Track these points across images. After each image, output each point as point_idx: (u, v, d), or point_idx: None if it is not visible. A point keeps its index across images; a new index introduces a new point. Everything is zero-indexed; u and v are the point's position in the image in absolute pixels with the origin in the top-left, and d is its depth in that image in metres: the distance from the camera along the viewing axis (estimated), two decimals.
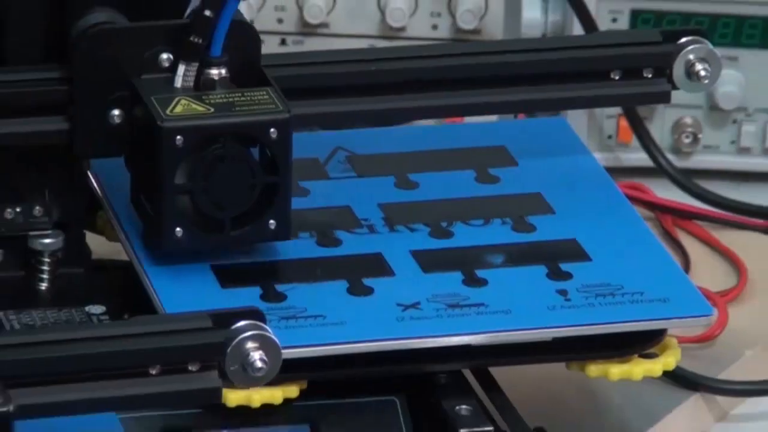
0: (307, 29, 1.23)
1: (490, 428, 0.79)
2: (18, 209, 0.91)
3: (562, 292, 0.86)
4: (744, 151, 1.29)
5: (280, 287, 0.84)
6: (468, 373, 0.86)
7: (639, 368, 0.88)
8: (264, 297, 0.82)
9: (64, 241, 0.93)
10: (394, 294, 0.83)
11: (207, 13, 0.87)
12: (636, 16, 1.26)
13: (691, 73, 1.00)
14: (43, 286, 0.96)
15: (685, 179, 1.24)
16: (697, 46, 1.00)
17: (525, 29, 1.29)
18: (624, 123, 1.27)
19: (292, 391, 0.78)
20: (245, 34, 0.89)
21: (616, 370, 0.88)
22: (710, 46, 1.01)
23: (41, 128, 0.88)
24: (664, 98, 1.06)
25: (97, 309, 0.90)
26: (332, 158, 1.04)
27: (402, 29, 1.24)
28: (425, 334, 0.80)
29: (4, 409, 0.63)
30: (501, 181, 1.05)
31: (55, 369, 0.68)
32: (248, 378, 0.69)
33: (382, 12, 1.20)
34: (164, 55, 0.89)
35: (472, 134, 1.11)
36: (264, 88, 0.89)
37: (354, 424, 0.82)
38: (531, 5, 1.32)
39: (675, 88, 1.01)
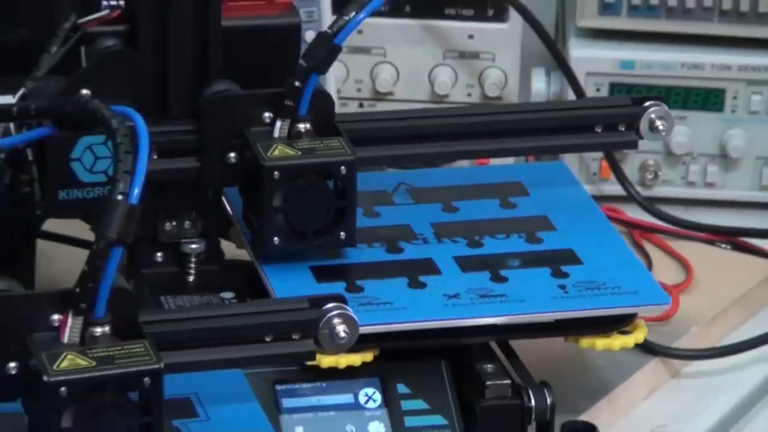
0: (378, 96, 1.24)
1: (508, 381, 0.83)
2: (174, 223, 0.95)
3: (562, 287, 0.90)
4: (691, 184, 1.28)
5: (359, 282, 0.87)
6: (494, 345, 0.88)
7: (617, 341, 0.92)
8: (347, 289, 0.86)
9: (206, 246, 0.97)
10: (441, 287, 0.86)
11: (297, 84, 0.92)
12: (613, 87, 1.26)
13: (652, 128, 1.02)
14: (191, 278, 0.98)
15: (649, 204, 1.24)
16: (657, 108, 1.02)
17: (533, 96, 1.28)
18: (605, 164, 1.26)
19: (368, 356, 0.82)
20: (324, 99, 0.94)
21: (601, 343, 0.92)
22: (666, 108, 1.03)
23: (181, 166, 0.93)
24: (633, 146, 1.07)
25: (228, 295, 0.95)
26: (397, 190, 1.06)
27: (446, 96, 1.25)
28: (463, 316, 0.84)
29: (156, 366, 0.65)
30: (518, 206, 1.08)
31: (200, 336, 0.72)
32: (335, 345, 0.73)
33: (432, 84, 1.22)
34: (266, 114, 0.93)
35: (497, 173, 1.14)
36: (337, 137, 0.92)
37: (412, 379, 0.84)
38: (538, 79, 1.32)
39: (641, 138, 1.03)
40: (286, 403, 0.84)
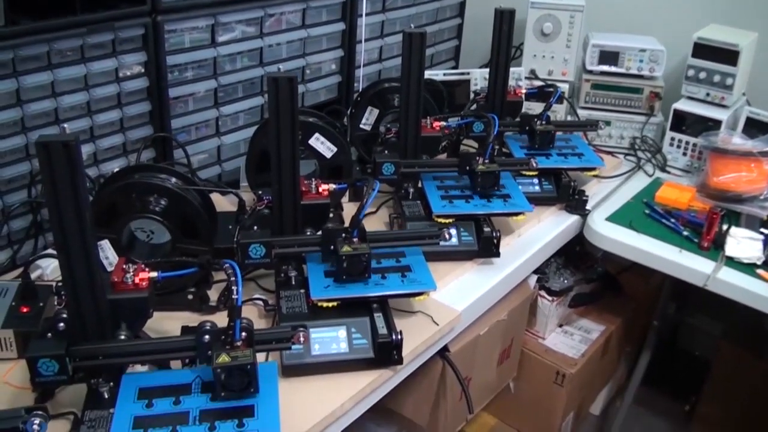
0: None
1: None
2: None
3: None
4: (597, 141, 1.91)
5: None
6: None
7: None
8: None
9: None
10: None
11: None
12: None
13: (597, 128, 1.72)
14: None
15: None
16: (596, 124, 1.70)
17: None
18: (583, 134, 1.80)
19: None
20: None
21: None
22: (602, 123, 1.78)
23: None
24: (594, 130, 1.74)
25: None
26: None
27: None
28: None
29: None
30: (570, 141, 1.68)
31: None
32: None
33: None
34: None
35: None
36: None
37: None
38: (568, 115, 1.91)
39: (596, 128, 1.72)
40: None
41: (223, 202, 1.46)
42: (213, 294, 1.20)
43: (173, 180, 1.16)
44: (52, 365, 0.86)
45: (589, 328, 1.88)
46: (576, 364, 1.73)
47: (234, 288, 0.86)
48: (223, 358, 0.87)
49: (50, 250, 1.24)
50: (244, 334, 0.90)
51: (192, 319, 1.17)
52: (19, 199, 1.27)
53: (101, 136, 1.36)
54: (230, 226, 1.30)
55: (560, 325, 1.87)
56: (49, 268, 1.24)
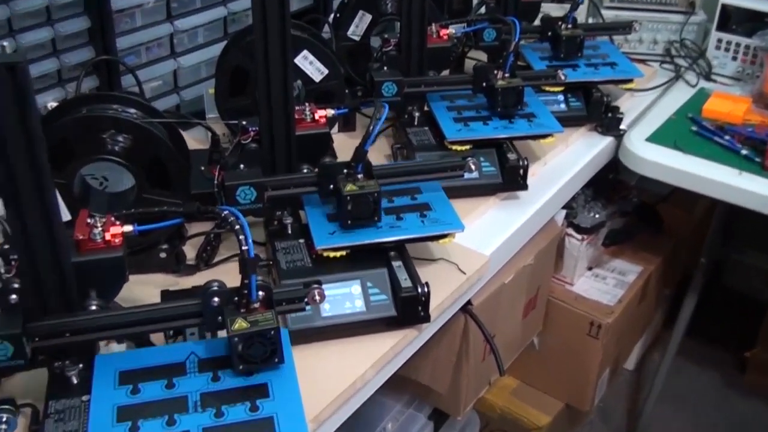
0: None
1: None
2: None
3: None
4: None
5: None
6: None
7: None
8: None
9: None
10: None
11: None
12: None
13: None
14: None
15: None
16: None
17: None
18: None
19: None
20: None
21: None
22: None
23: None
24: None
25: None
26: None
27: None
28: None
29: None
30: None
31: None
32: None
33: None
34: None
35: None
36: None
37: None
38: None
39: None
40: None
41: (186, 139, 1.39)
42: (188, 251, 1.18)
43: (132, 111, 1.08)
44: (4, 348, 0.81)
45: (623, 270, 1.89)
46: (612, 312, 1.73)
47: (242, 237, 0.82)
48: (240, 324, 0.84)
49: None
50: (261, 293, 0.86)
51: (168, 281, 1.13)
52: None
53: (29, 62, 1.26)
54: (202, 168, 1.26)
55: (590, 268, 1.87)
56: None
